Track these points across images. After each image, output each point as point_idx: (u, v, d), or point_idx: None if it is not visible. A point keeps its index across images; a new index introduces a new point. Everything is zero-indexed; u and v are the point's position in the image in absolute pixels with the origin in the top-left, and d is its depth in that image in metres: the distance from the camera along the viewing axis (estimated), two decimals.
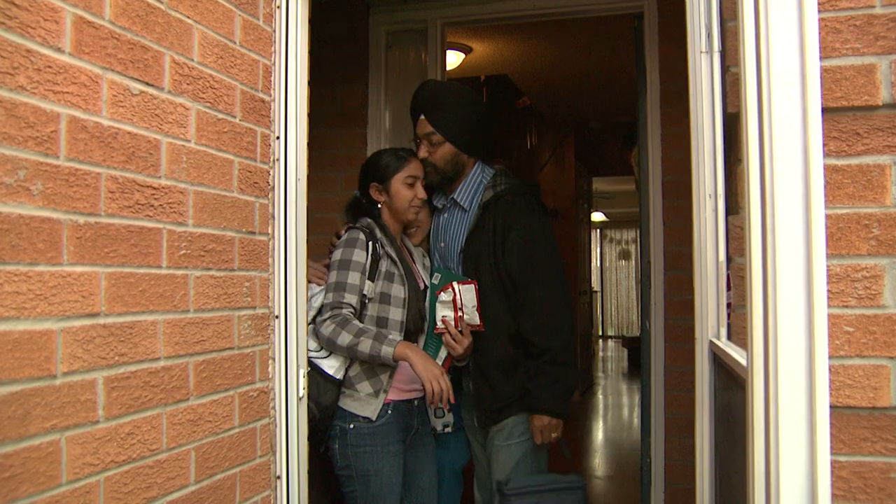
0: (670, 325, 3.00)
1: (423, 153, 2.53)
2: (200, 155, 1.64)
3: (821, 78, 1.38)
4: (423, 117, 2.56)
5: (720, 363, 1.40)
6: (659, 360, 3.03)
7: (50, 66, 1.25)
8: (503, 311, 2.44)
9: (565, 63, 5.60)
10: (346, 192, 3.43)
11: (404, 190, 2.48)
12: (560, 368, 2.38)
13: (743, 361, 1.11)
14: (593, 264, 14.23)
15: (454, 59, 5.09)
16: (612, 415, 8.12)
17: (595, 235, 15.00)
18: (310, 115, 3.43)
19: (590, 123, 7.77)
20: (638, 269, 13.93)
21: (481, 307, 2.43)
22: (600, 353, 13.51)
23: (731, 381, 1.30)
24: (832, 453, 1.37)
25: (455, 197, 2.58)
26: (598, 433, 7.28)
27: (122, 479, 1.39)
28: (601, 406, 8.78)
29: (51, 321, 1.24)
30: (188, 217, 1.60)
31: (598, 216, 13.79)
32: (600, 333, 15.18)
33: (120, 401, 1.39)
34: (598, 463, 6.07)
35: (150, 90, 1.49)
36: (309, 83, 2.05)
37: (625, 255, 15.68)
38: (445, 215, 2.63)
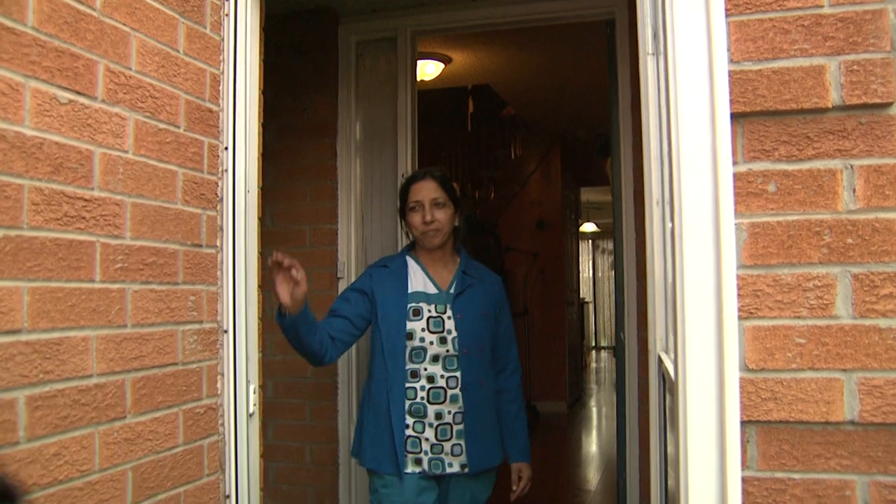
0: (642, 337, 2.94)
1: None
2: (139, 166, 1.60)
3: (769, 80, 1.34)
4: None
5: (665, 378, 1.35)
6: (632, 372, 2.98)
7: None
8: None
9: (547, 72, 5.57)
10: (316, 204, 3.41)
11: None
12: None
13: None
14: (585, 275, 14.21)
15: (433, 69, 5.05)
16: (604, 426, 8.05)
17: (587, 246, 14.96)
18: (278, 127, 3.40)
19: (576, 133, 7.74)
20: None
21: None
22: (593, 364, 13.45)
23: (671, 396, 1.25)
24: (785, 470, 1.32)
25: None
26: (591, 445, 7.22)
27: (47, 503, 1.34)
28: (593, 417, 8.73)
29: None
30: (125, 230, 1.55)
31: (590, 227, 13.76)
32: (593, 344, 15.11)
33: (45, 420, 1.34)
34: (588, 476, 6.01)
35: (81, 99, 1.44)
36: (263, 92, 2.01)
37: None
38: None
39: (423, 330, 2.40)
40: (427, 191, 2.47)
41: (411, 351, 2.39)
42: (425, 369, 2.39)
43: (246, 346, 1.85)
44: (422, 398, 2.38)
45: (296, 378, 3.43)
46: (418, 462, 2.37)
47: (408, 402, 2.38)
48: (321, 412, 3.43)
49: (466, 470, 2.39)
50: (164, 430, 1.64)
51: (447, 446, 2.38)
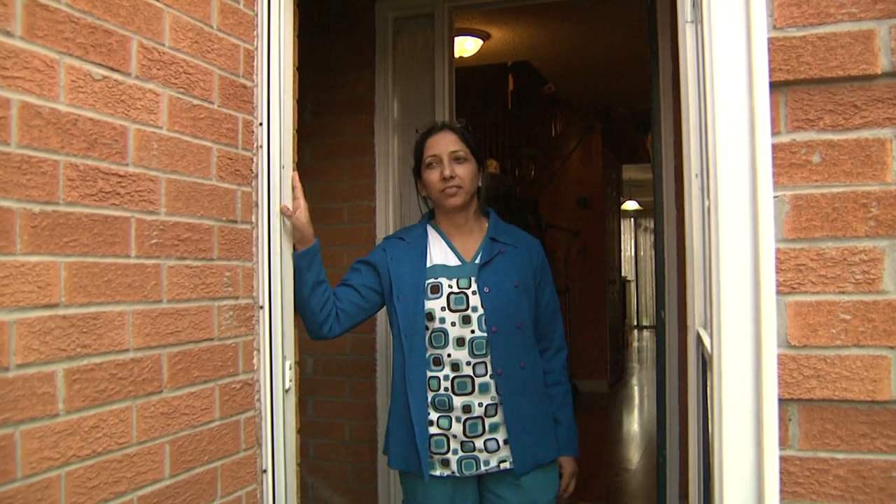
0: (683, 316, 2.89)
1: None
2: (174, 142, 1.60)
3: (814, 46, 1.29)
4: None
5: (704, 355, 1.32)
6: (673, 351, 2.93)
7: None
8: None
9: (587, 47, 5.48)
10: (353, 181, 3.41)
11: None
12: None
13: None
14: (627, 253, 14.06)
15: (472, 45, 5.00)
16: (646, 405, 8.00)
17: (629, 224, 14.80)
18: (315, 105, 3.41)
19: (617, 110, 7.62)
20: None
21: None
22: (635, 344, 13.35)
23: (710, 373, 1.22)
24: (828, 450, 1.28)
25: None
26: (633, 424, 7.18)
27: (86, 474, 1.36)
28: (635, 397, 8.67)
29: (2, 312, 1.21)
30: (160, 205, 1.56)
31: (632, 205, 13.59)
32: (635, 323, 14.99)
33: (83, 393, 1.36)
34: (629, 454, 5.98)
35: (115, 75, 1.45)
36: (298, 69, 2.01)
37: None
38: None
39: (442, 309, 2.12)
40: (445, 143, 2.18)
41: (431, 334, 2.12)
42: (449, 355, 2.11)
43: (282, 322, 1.86)
44: (446, 388, 2.11)
45: (336, 355, 3.45)
46: (446, 464, 2.12)
47: (430, 394, 2.12)
48: (360, 389, 3.45)
49: (506, 466, 2.13)
50: (201, 405, 1.66)
51: (478, 442, 2.11)
